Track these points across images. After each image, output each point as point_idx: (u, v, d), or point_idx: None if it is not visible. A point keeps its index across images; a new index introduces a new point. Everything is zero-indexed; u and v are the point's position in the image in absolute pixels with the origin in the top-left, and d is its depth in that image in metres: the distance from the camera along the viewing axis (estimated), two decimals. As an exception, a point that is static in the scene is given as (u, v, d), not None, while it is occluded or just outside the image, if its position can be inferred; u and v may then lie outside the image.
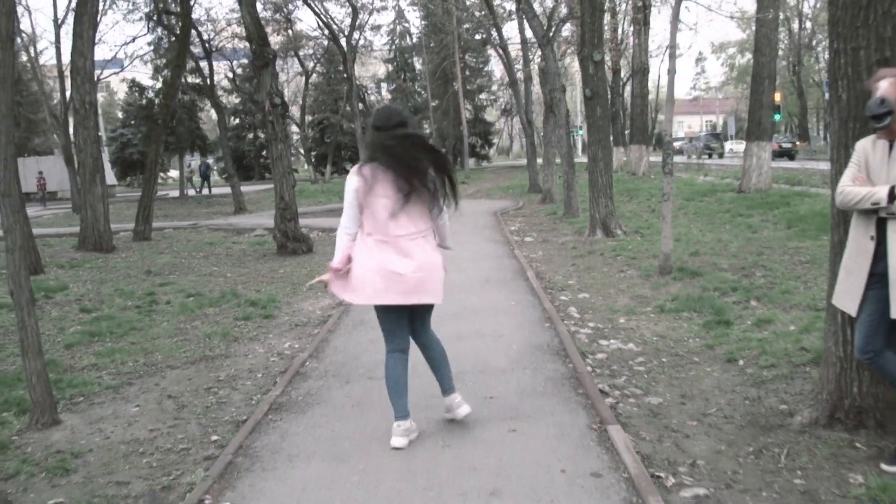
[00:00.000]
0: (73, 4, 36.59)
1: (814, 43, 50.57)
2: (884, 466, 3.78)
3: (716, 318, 7.00)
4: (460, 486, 3.72)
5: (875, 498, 3.46)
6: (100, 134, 39.54)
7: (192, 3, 21.54)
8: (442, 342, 4.63)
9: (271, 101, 13.54)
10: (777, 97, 46.47)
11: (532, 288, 8.97)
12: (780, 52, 52.83)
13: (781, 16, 49.51)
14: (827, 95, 18.29)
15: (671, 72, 9.69)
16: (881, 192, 3.69)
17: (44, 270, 12.96)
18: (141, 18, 31.20)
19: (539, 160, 26.56)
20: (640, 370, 5.71)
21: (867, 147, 3.90)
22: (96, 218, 15.70)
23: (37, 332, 5.16)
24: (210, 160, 62.69)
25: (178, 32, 25.39)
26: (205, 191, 40.41)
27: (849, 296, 3.96)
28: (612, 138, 35.57)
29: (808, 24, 50.26)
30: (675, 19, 9.38)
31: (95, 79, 32.28)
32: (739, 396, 5.00)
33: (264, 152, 56.71)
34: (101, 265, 13.64)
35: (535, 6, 25.10)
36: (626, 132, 36.61)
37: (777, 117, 40.15)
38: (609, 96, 35.96)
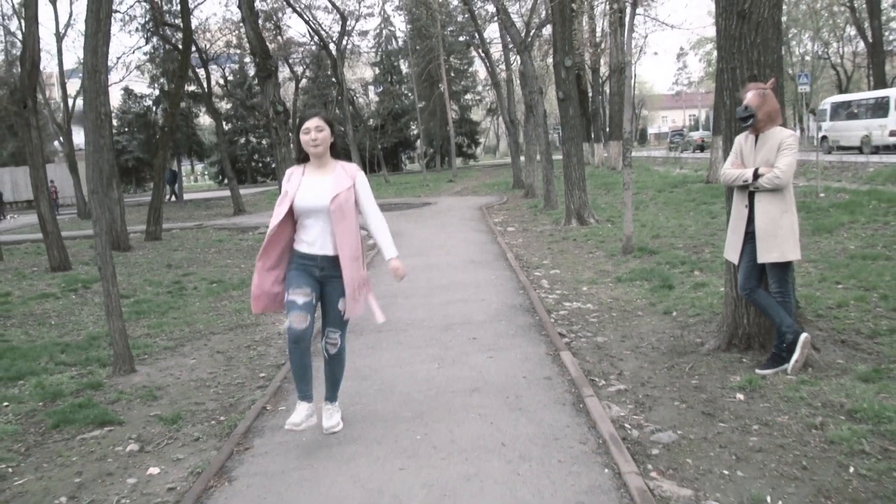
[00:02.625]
0: (73, 20, 37.65)
1: (789, 36, 52.18)
2: (757, 371, 5.24)
3: (661, 284, 8.48)
4: (451, 388, 5.21)
5: (742, 387, 4.93)
6: (98, 142, 40.53)
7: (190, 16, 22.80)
8: (435, 307, 6.02)
9: (274, 109, 14.94)
10: (753, 90, 47.71)
11: (511, 266, 10.44)
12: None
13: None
14: (800, 88, 19.93)
15: (628, 77, 11.18)
16: (748, 173, 5.17)
17: (71, 267, 14.35)
18: (137, 29, 32.47)
19: (522, 158, 28.02)
20: (593, 321, 7.18)
21: (741, 140, 5.39)
22: (113, 219, 17.04)
23: (118, 299, 6.59)
24: (200, 165, 63.82)
25: (175, 43, 26.78)
26: (172, 197, 40.98)
27: (732, 249, 5.44)
28: (592, 135, 37.21)
29: (784, 17, 51.90)
30: (630, 32, 10.85)
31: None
32: (667, 335, 6.47)
33: (256, 156, 58.12)
34: (123, 261, 15.01)
35: (515, 9, 26.60)
36: (606, 129, 38.05)
37: None
38: (590, 94, 37.42)
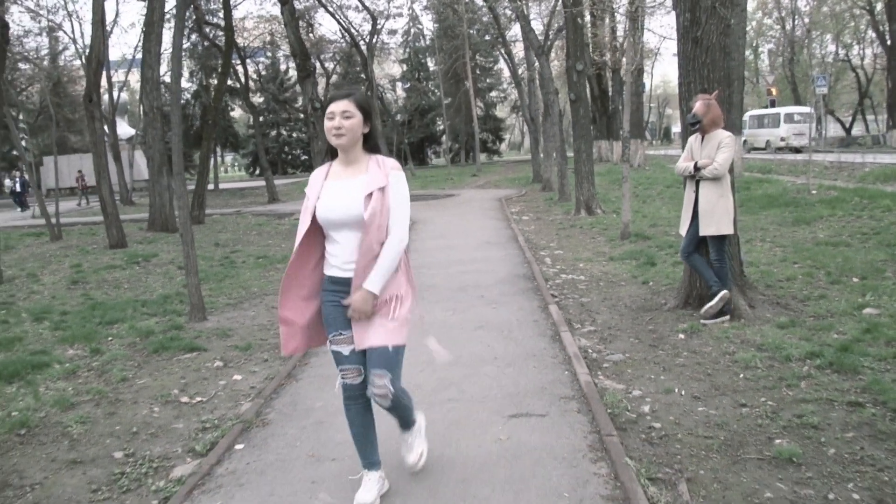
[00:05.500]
0: (118, 18, 39.66)
1: (813, 36, 52.84)
2: (702, 321, 6.69)
3: (646, 262, 9.91)
4: (461, 326, 6.76)
5: (685, 330, 6.38)
6: (138, 132, 42.60)
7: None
8: (452, 275, 7.45)
9: (312, 106, 16.53)
10: (773, 91, 49.04)
11: (520, 247, 11.93)
12: (776, 48, 55.47)
13: (776, 14, 52.24)
14: (818, 90, 21.23)
15: (627, 83, 12.58)
16: (690, 166, 6.63)
17: (127, 245, 16.02)
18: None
19: (542, 154, 29.40)
20: (582, 288, 8.66)
21: (692, 140, 6.84)
22: (163, 203, 18.76)
23: (195, 259, 8.18)
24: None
25: (213, 40, 28.48)
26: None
27: (683, 225, 6.91)
28: (608, 133, 38.43)
29: (806, 20, 52.35)
30: (632, 43, 12.26)
31: (124, 79, 35.27)
32: (640, 298, 7.92)
33: (286, 148, 59.98)
34: (173, 241, 16.67)
35: (537, 11, 27.99)
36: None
37: (808, 108, 42.90)
38: (610, 94, 38.57)
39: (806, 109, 36.96)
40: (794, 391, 4.73)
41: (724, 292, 6.55)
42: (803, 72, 53.41)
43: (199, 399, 5.44)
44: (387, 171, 3.42)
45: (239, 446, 4.42)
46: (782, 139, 35.23)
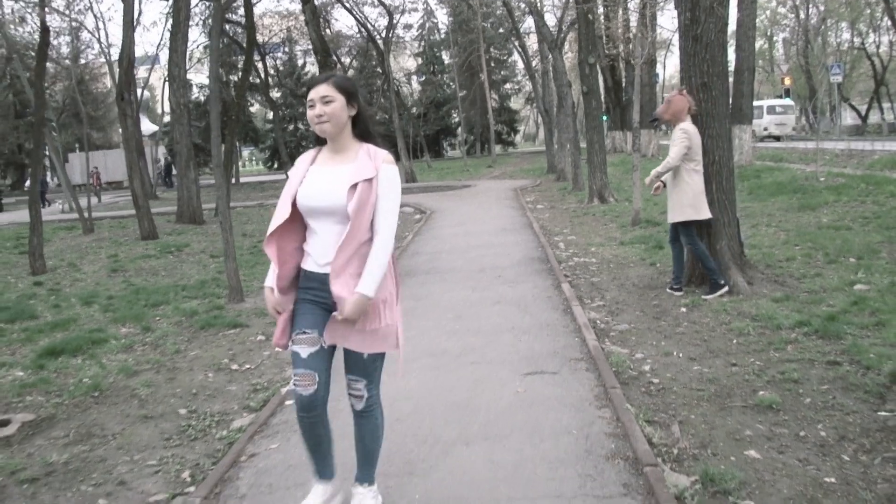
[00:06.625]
0: (142, 17, 40.49)
1: (828, 24, 52.75)
2: (703, 297, 7.25)
3: (654, 246, 10.47)
4: (481, 301, 7.39)
5: (687, 305, 6.95)
6: (161, 129, 43.36)
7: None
8: (471, 259, 8.04)
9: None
10: (787, 81, 49.21)
11: (535, 233, 12.52)
12: (791, 37, 55.51)
13: (790, 3, 52.29)
14: (832, 79, 21.30)
15: (639, 76, 13.12)
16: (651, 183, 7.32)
17: (158, 236, 16.72)
18: (197, 24, 35.02)
19: (556, 145, 29.91)
20: (593, 269, 9.24)
21: (687, 131, 7.42)
22: (190, 196, 19.49)
23: (233, 245, 8.83)
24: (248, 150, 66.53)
25: (235, 38, 29.17)
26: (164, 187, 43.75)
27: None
28: (622, 123, 38.89)
29: (821, 8, 52.23)
30: (648, 40, 12.78)
31: (147, 76, 36.03)
32: (647, 278, 8.49)
33: (304, 142, 60.69)
34: (201, 232, 17.38)
35: (550, 3, 28.46)
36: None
37: (787, 101, 43.27)
38: (623, 85, 38.93)
39: (787, 102, 41.33)
40: (781, 353, 5.30)
41: (678, 294, 7.36)
42: (818, 60, 53.47)
43: (247, 366, 6.08)
44: (377, 164, 3.13)
45: (289, 402, 5.05)
46: (765, 129, 38.88)
